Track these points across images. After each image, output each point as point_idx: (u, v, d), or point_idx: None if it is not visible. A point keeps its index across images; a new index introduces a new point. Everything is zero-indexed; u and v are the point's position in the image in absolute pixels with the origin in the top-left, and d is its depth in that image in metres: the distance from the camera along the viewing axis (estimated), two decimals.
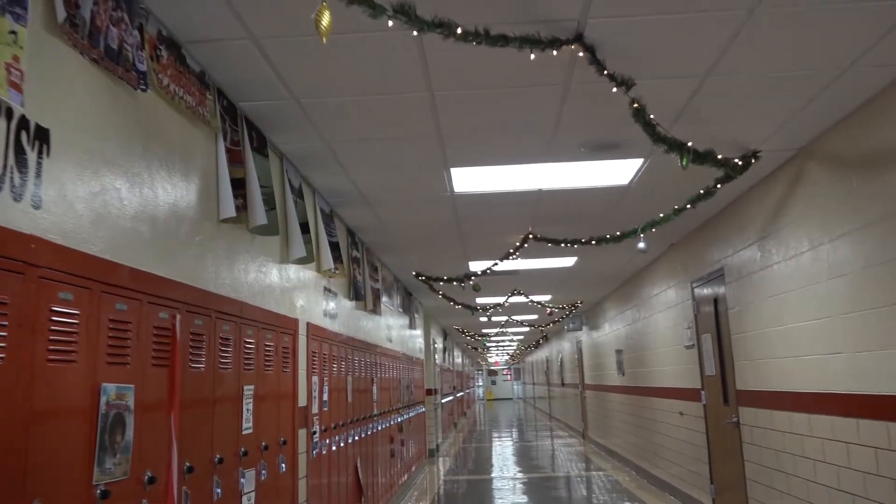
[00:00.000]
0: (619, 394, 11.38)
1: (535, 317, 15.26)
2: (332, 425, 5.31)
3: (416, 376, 11.21)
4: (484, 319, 15.25)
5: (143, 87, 2.47)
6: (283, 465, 4.05)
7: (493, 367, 48.24)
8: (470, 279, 7.68)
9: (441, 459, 13.25)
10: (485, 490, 9.43)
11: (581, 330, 14.71)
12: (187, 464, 2.81)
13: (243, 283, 3.60)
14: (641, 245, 5.45)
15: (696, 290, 7.05)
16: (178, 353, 2.74)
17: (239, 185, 3.38)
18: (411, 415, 10.26)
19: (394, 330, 8.90)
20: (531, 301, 10.90)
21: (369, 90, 3.43)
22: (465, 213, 5.93)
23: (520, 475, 10.64)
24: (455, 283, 7.93)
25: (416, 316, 11.30)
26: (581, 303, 12.52)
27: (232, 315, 3.37)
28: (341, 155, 4.37)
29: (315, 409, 4.82)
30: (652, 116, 3.36)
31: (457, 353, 24.24)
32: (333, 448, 5.30)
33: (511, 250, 6.94)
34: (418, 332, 11.93)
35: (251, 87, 3.33)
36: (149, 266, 2.63)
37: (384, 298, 8.18)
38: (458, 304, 9.73)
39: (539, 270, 9.09)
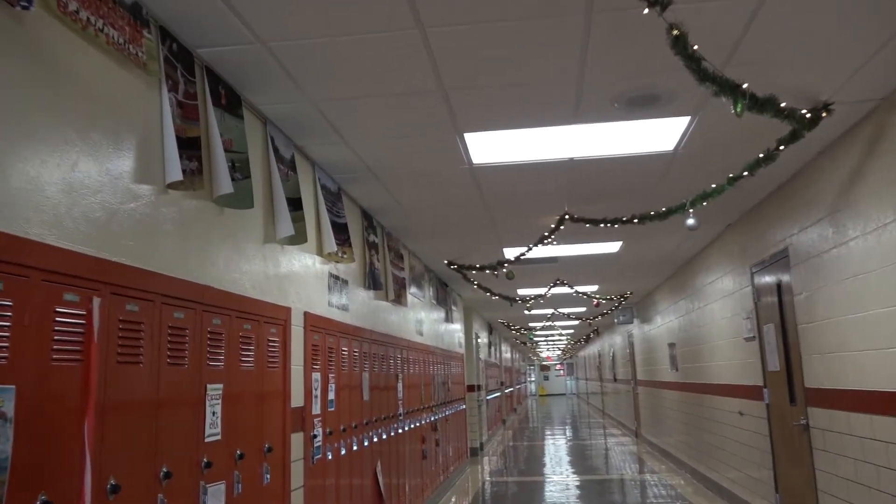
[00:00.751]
0: (672, 390, 10.57)
1: (582, 309, 14.49)
2: (343, 427, 4.76)
3: (454, 372, 10.61)
4: (528, 312, 14.54)
5: (26, 4, 1.91)
6: (268, 476, 3.50)
7: (545, 363, 47.34)
8: (503, 266, 7.03)
9: (485, 459, 12.63)
10: (528, 493, 8.78)
11: (632, 323, 13.90)
12: (112, 482, 2.27)
13: (207, 263, 3.05)
14: (691, 221, 4.73)
15: (757, 276, 6.25)
16: (95, 346, 2.20)
17: (193, 146, 2.83)
18: (448, 413, 9.67)
19: (425, 323, 8.32)
20: (576, 292, 10.18)
21: (346, 29, 2.83)
22: (490, 189, 5.29)
23: (567, 477, 9.95)
24: (488, 272, 7.29)
25: (453, 309, 10.70)
26: (630, 294, 11.73)
27: (189, 301, 2.83)
28: (333, 117, 3.79)
29: (316, 410, 4.27)
30: (696, 48, 2.68)
31: (504, 347, 23.56)
32: (343, 452, 4.74)
33: (546, 233, 6.26)
34: (457, 325, 11.32)
35: (204, 26, 2.77)
36: (55, 238, 2.09)
37: (412, 289, 7.60)
38: (496, 296, 9.08)
39: (581, 258, 8.38)
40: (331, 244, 4.44)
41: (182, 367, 2.75)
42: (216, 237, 3.14)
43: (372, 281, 5.76)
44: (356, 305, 5.38)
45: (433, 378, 8.57)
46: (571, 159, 4.64)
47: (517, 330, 16.23)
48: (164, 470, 2.58)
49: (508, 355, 25.37)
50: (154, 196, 2.66)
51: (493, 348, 18.03)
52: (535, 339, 23.83)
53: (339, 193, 4.93)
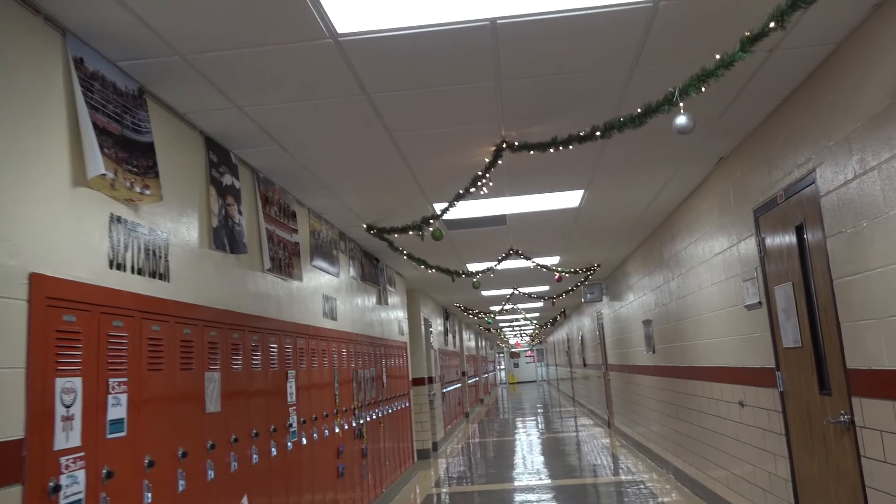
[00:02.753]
0: (648, 375, 8.96)
1: (545, 288, 12.87)
2: (149, 460, 2.99)
3: (394, 364, 8.88)
4: (484, 294, 12.86)
5: None
6: None
7: (514, 350, 46.10)
8: (429, 224, 5.29)
9: (440, 462, 10.93)
10: None
11: (601, 301, 12.32)
12: None
13: None
14: (682, 120, 3.04)
15: (763, 221, 4.60)
16: None
17: None
18: (384, 413, 7.94)
19: (341, 305, 6.56)
20: (535, 264, 8.50)
21: None
22: (382, 95, 3.54)
23: (528, 482, 8.29)
24: (412, 233, 5.55)
25: (389, 289, 8.95)
26: (598, 266, 10.09)
27: None
28: None
29: (71, 442, 2.51)
30: None
31: (467, 335, 21.92)
32: (150, 500, 2.98)
33: (481, 172, 4.55)
34: (397, 309, 9.58)
35: None
36: None
37: (317, 261, 5.84)
38: (432, 269, 7.36)
39: (535, 217, 6.68)
40: (96, 165, 2.66)
41: None
42: None
43: (227, 241, 3.99)
44: (190, 272, 3.60)
45: (356, 373, 6.82)
46: (494, 22, 2.91)
47: (475, 314, 14.56)
48: None
49: (472, 343, 23.79)
50: None
51: (450, 336, 16.36)
52: (499, 324, 22.21)
53: (138, 96, 3.14)
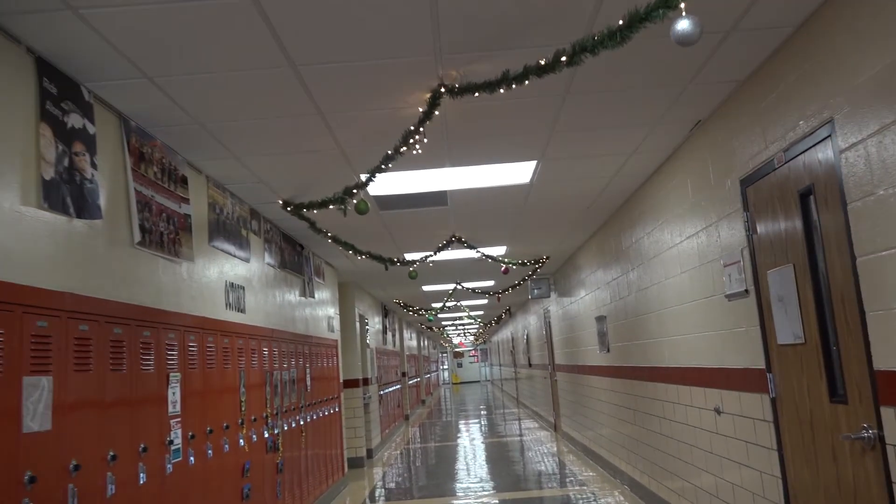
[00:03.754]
0: (601, 377, 8.20)
1: (490, 283, 12.05)
2: None
3: (322, 364, 7.89)
4: (429, 289, 11.97)
5: None
6: None
7: (458, 349, 45.49)
8: (352, 195, 4.35)
9: (375, 471, 9.97)
10: None
11: (549, 297, 11.55)
12: None
13: None
14: (684, 26, 2.19)
15: (754, 191, 3.82)
16: None
17: None
18: (308, 420, 6.95)
19: (252, 294, 5.56)
20: (481, 254, 7.64)
21: None
22: (282, 14, 2.61)
23: (472, 496, 7.41)
24: (333, 207, 4.61)
25: (316, 280, 7.97)
26: (547, 259, 9.31)
27: None
28: None
29: None
30: None
31: (408, 333, 20.99)
32: None
33: (414, 127, 3.65)
34: (328, 305, 8.59)
35: None
36: None
37: (218, 241, 4.84)
38: (363, 255, 6.42)
39: (480, 194, 5.80)
40: None
41: None
42: None
43: (69, 200, 2.97)
44: (2, 237, 2.57)
45: (271, 375, 5.82)
46: None
47: (416, 311, 13.65)
48: None
49: (414, 342, 22.90)
50: None
51: (390, 334, 15.40)
52: (441, 323, 21.36)
53: None
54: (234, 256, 5.19)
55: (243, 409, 5.06)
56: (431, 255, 7.13)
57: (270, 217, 6.09)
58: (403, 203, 5.90)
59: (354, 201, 4.39)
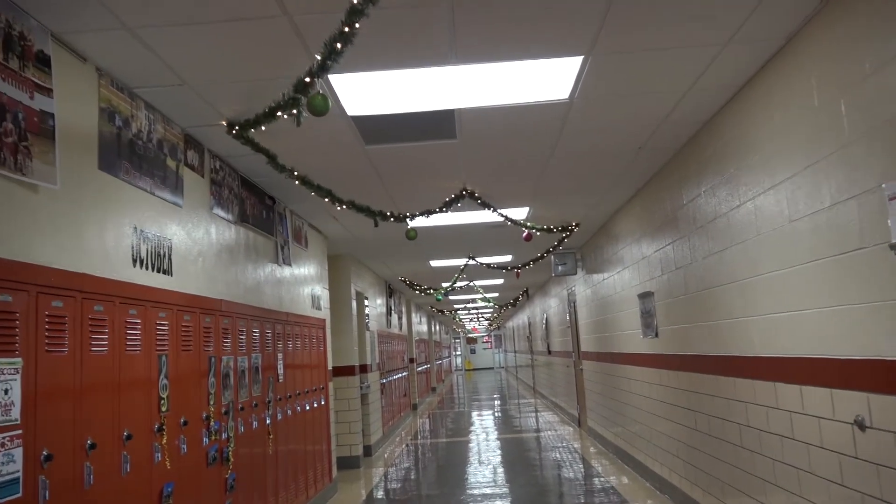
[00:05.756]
0: (645, 367, 6.68)
1: (507, 258, 10.54)
2: None
3: (304, 348, 6.43)
4: (438, 265, 10.47)
5: None
6: None
7: (471, 335, 44.31)
8: (306, 89, 2.81)
9: (372, 473, 8.51)
10: None
11: (575, 274, 10.03)
12: None
13: None
14: None
15: None
16: None
17: None
18: (280, 417, 5.48)
19: (186, 251, 4.05)
20: (498, 213, 6.11)
21: None
22: None
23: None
24: (285, 115, 3.08)
25: (295, 246, 6.49)
26: (576, 227, 7.76)
27: None
28: None
29: None
30: None
31: (417, 317, 19.57)
32: None
33: None
34: (312, 278, 7.12)
35: None
36: None
37: (116, 168, 3.34)
38: (343, 204, 4.90)
39: (500, 117, 4.25)
40: None
41: None
42: None
43: None
44: None
45: (218, 362, 4.33)
46: None
47: (423, 290, 12.17)
48: None
49: (424, 327, 21.52)
50: None
51: (395, 317, 13.96)
52: (453, 306, 19.91)
53: None
54: (154, 195, 3.68)
55: (164, 408, 3.56)
56: (435, 212, 5.59)
57: (221, 152, 4.58)
58: (396, 132, 4.37)
59: (315, 97, 2.84)
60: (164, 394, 3.58)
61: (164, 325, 3.63)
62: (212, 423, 4.15)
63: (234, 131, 3.81)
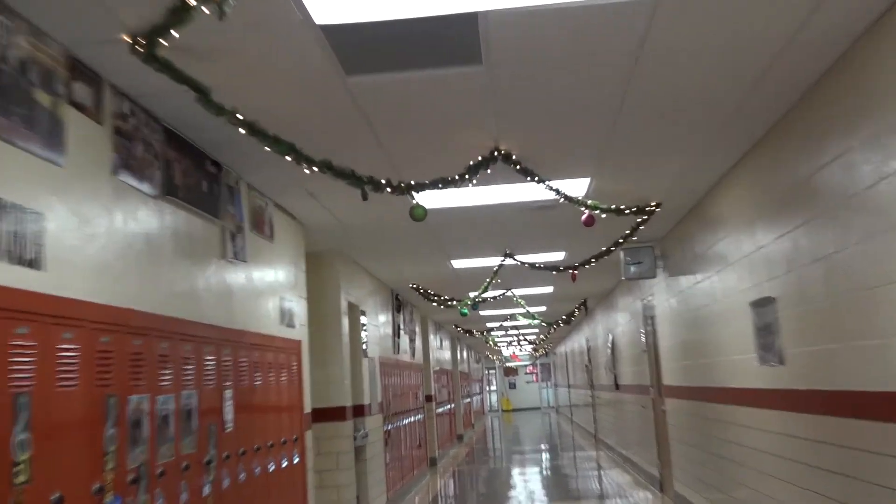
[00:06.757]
0: (764, 409, 6.18)
1: (558, 255, 10.01)
2: None
3: (268, 383, 5.92)
4: (462, 265, 9.97)
5: None
6: None
7: (509, 363, 44.79)
8: None
9: None
10: None
11: (654, 277, 9.58)
12: None
13: None
14: None
15: None
16: None
17: None
18: (226, 484, 4.92)
19: (68, 233, 3.50)
20: (546, 186, 5.59)
21: None
22: None
23: None
24: (204, 7, 2.47)
25: (254, 235, 5.98)
26: (657, 207, 7.16)
27: None
28: None
29: None
30: None
31: (439, 339, 19.31)
32: None
33: None
34: (282, 284, 6.66)
35: None
36: None
37: None
38: (313, 165, 4.31)
39: (548, 27, 3.66)
40: None
41: None
42: None
43: None
44: None
45: (119, 403, 3.76)
46: None
47: (442, 302, 11.66)
48: None
49: (447, 353, 21.55)
50: None
51: (405, 339, 13.60)
52: (484, 323, 19.46)
53: None
54: (12, 145, 3.10)
55: (19, 479, 2.97)
56: (453, 183, 5.00)
57: (131, 88, 4.01)
58: (390, 53, 3.79)
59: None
60: (23, 456, 2.99)
61: (25, 345, 3.05)
62: (107, 499, 3.56)
63: (139, 48, 3.22)
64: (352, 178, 4.44)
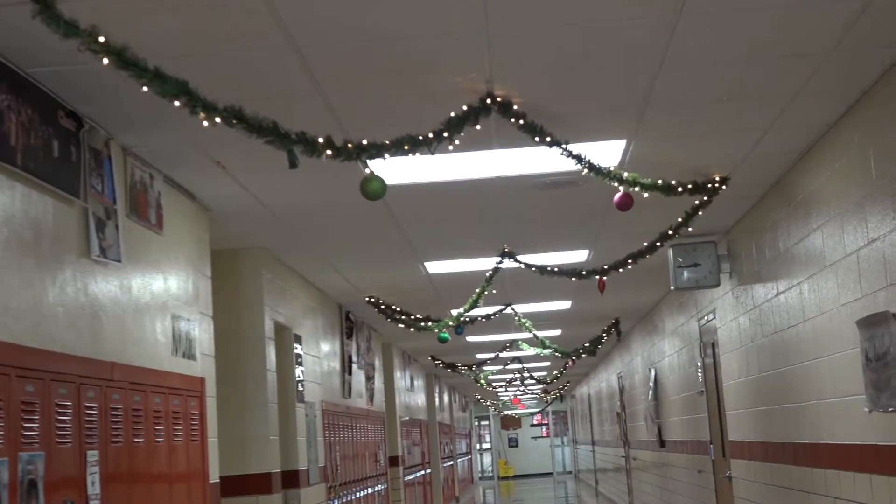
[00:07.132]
0: (880, 474, 6.43)
1: (580, 255, 10.29)
2: None
3: (159, 439, 6.02)
4: (438, 269, 10.19)
5: None
6: None
7: (509, 411, 46.97)
8: None
9: None
10: None
11: (717, 286, 10.10)
12: None
13: None
14: None
15: None
16: None
17: None
18: None
19: None
20: (562, 150, 5.83)
21: None
22: None
23: None
24: None
25: (131, 223, 6.20)
26: (722, 183, 7.44)
27: None
28: None
29: None
30: None
31: (408, 378, 20.53)
32: None
33: None
34: (175, 293, 6.95)
35: None
36: None
37: None
38: (206, 111, 4.31)
39: None
40: None
41: None
42: None
43: None
44: None
45: None
46: None
47: (413, 322, 12.02)
48: None
49: (420, 398, 23.22)
50: None
51: (361, 376, 14.42)
52: (472, 350, 20.09)
53: None
54: None
55: None
56: (426, 144, 5.02)
57: None
58: None
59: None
60: None
61: None
62: None
63: None
64: (273, 133, 4.41)
